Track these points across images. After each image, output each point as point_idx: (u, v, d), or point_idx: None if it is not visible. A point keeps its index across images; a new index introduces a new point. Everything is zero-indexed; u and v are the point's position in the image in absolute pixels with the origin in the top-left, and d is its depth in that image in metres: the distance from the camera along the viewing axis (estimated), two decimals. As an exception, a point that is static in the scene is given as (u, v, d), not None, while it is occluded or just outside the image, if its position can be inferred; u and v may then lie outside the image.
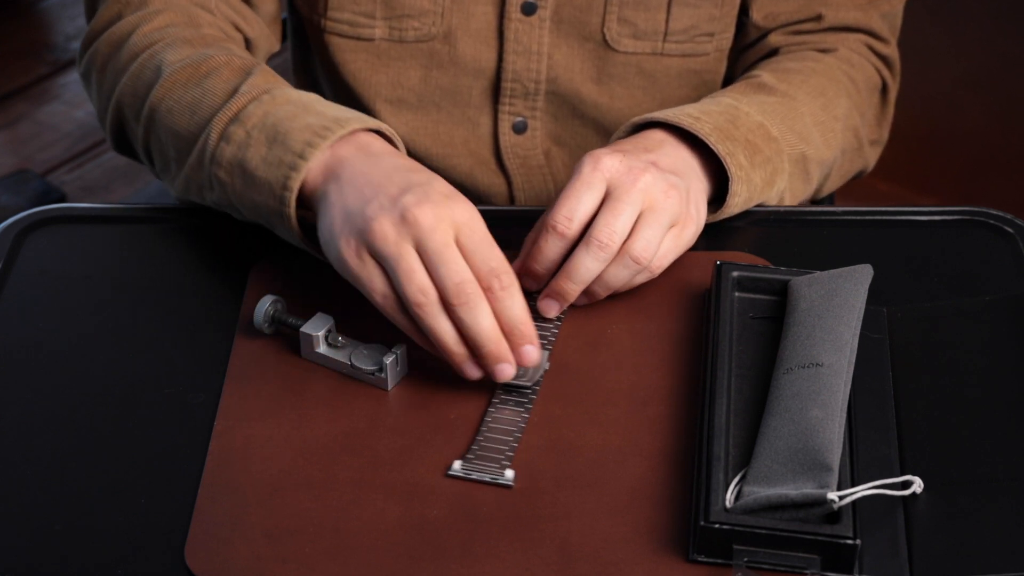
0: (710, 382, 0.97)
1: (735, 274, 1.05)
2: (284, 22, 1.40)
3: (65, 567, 0.89)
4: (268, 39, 1.27)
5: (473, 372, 0.97)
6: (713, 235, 1.14)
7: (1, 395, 1.00)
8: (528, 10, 1.24)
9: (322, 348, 1.01)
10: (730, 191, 1.10)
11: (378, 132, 1.06)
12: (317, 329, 1.01)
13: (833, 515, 0.87)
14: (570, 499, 0.92)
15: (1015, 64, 2.26)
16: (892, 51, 1.31)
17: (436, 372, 1.01)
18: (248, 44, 1.24)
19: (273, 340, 1.03)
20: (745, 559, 0.87)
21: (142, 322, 1.06)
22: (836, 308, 0.99)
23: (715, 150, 1.09)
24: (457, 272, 0.95)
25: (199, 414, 0.98)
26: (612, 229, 1.01)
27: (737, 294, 1.05)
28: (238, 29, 1.23)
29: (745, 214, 1.16)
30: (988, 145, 2.35)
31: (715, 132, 1.10)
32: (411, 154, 1.31)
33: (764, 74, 1.22)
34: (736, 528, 0.87)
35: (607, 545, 0.89)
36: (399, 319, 0.98)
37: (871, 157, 1.31)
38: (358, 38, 1.26)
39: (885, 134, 1.33)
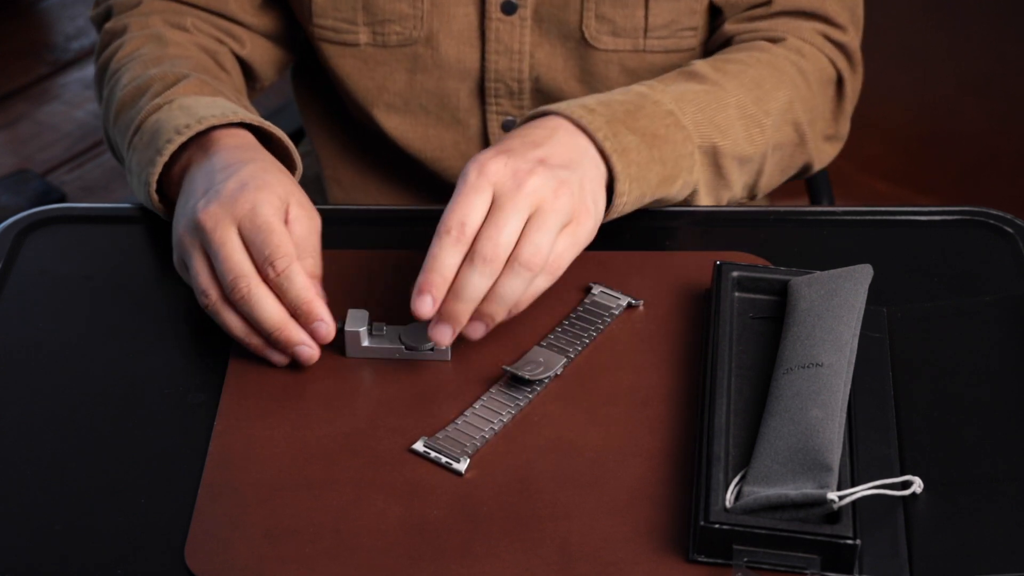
0: (710, 382, 0.97)
1: (735, 274, 1.04)
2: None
3: (65, 567, 0.89)
4: (272, 53, 1.30)
5: (277, 358, 1.01)
6: (713, 235, 1.14)
7: (1, 395, 1.00)
8: (508, 9, 1.24)
9: (368, 342, 1.01)
10: (616, 191, 1.06)
11: (248, 126, 1.10)
12: (358, 325, 1.00)
13: (833, 515, 0.87)
14: (570, 499, 0.92)
15: (1015, 65, 2.26)
16: (850, 40, 1.26)
17: (436, 372, 1.01)
18: (244, 62, 1.28)
19: (273, 340, 1.03)
20: (745, 559, 0.87)
21: (142, 322, 1.06)
22: (836, 308, 0.99)
23: (601, 147, 1.05)
24: (229, 269, 0.99)
25: (199, 414, 0.98)
26: (496, 242, 0.96)
27: (737, 294, 1.05)
28: (222, 43, 1.26)
29: (745, 214, 1.16)
30: (988, 146, 2.34)
31: (608, 125, 1.06)
32: (405, 157, 1.31)
33: (699, 63, 1.18)
34: (736, 528, 0.87)
35: (607, 545, 0.89)
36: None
37: (822, 153, 1.26)
38: (344, 44, 1.27)
39: (843, 129, 1.28)
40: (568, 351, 1.01)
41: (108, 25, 1.26)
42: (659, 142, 1.09)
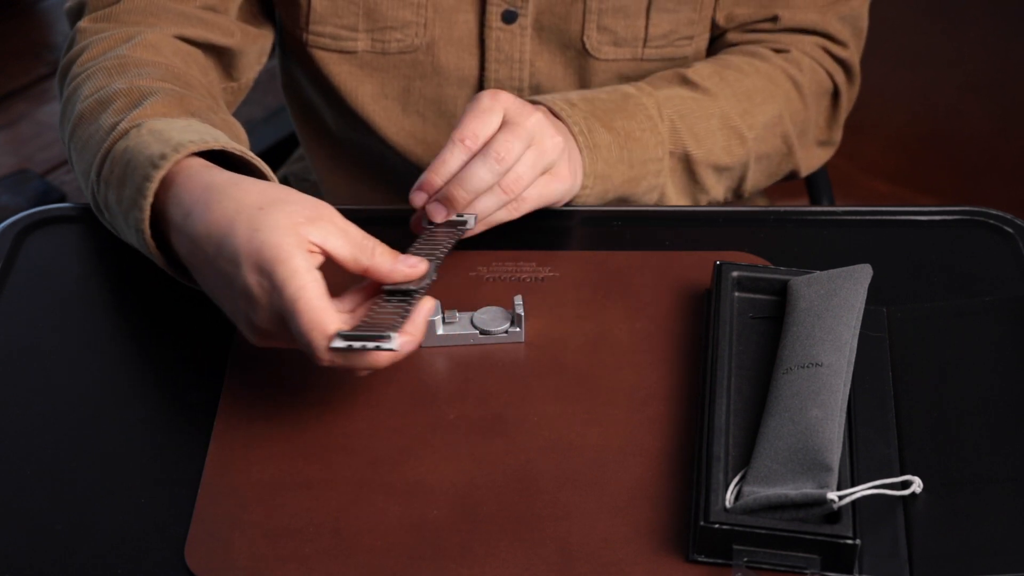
0: (710, 382, 0.97)
1: (735, 274, 1.05)
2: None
3: (65, 567, 0.89)
4: (248, 36, 1.23)
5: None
6: (713, 235, 1.14)
7: (1, 395, 1.00)
8: (509, 18, 1.24)
9: (442, 330, 1.01)
10: (580, 183, 1.12)
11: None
12: (433, 314, 0.99)
13: (833, 515, 0.87)
14: (570, 499, 0.92)
15: (1016, 67, 2.26)
16: (850, 55, 1.30)
17: (436, 372, 1.01)
18: (227, 52, 1.21)
19: (273, 340, 1.03)
20: (745, 559, 0.87)
21: (142, 322, 1.06)
22: (836, 308, 0.99)
23: (575, 141, 1.11)
24: (310, 346, 0.91)
25: (199, 414, 0.98)
26: (511, 147, 1.02)
27: (737, 294, 1.05)
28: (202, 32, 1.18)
29: (745, 214, 1.16)
30: (989, 148, 2.34)
31: (584, 120, 1.12)
32: (401, 164, 1.30)
33: (698, 66, 1.23)
34: (736, 528, 0.87)
35: (607, 545, 0.89)
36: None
37: (812, 159, 1.31)
38: (341, 51, 1.26)
39: (836, 136, 1.33)
40: (432, 257, 0.98)
41: (82, 24, 1.17)
42: (631, 143, 1.14)
